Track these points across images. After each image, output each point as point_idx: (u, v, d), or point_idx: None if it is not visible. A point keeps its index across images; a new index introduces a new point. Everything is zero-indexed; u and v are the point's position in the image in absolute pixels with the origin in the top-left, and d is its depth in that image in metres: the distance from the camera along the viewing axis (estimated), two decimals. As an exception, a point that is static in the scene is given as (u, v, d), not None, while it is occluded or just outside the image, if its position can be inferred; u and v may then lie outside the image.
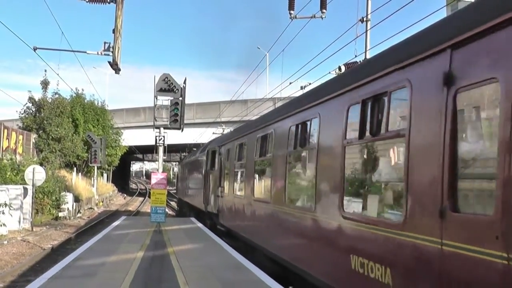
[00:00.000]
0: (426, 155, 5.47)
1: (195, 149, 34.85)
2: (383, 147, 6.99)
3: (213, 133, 44.60)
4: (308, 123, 9.54)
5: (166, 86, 18.62)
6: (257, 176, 13.79)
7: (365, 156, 7.48)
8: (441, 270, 5.01)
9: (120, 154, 55.57)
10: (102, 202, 48.41)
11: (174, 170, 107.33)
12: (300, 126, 9.98)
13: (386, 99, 6.42)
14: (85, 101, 48.60)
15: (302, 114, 9.88)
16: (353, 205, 7.48)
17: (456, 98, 5.05)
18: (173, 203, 49.41)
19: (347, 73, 9.77)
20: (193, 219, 23.65)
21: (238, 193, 15.93)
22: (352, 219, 7.21)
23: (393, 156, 6.66)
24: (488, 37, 4.64)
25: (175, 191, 48.39)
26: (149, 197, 22.54)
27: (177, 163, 64.35)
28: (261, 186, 13.35)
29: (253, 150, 13.81)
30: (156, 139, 19.83)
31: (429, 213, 5.28)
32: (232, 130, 22.95)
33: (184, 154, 49.43)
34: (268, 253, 11.89)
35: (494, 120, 4.64)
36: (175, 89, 18.69)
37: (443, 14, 18.83)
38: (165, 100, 19.39)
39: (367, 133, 6.88)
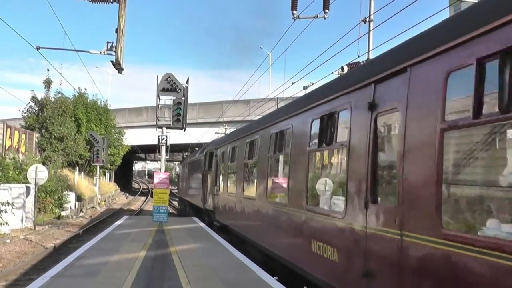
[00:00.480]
0: (358, 162, 7.25)
1: (197, 149, 35.13)
2: (333, 154, 8.91)
3: (216, 132, 44.60)
4: (285, 132, 11.26)
5: (169, 86, 18.64)
6: (246, 176, 15.47)
7: (322, 161, 9.49)
8: (366, 248, 6.78)
9: (123, 154, 55.62)
10: (105, 201, 48.46)
11: (176, 170, 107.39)
12: (279, 134, 11.70)
13: (336, 116, 8.29)
14: (88, 100, 48.68)
15: (280, 124, 11.67)
16: (313, 200, 9.35)
17: (377, 120, 6.90)
18: (175, 203, 49.43)
19: (311, 94, 11.19)
20: (195, 218, 23.66)
21: (231, 191, 17.43)
22: (313, 211, 9.03)
23: (339, 162, 8.49)
24: (393, 79, 6.57)
25: (177, 190, 48.61)
26: (151, 196, 23.17)
27: (179, 163, 64.49)
28: (248, 185, 14.99)
29: (243, 153, 15.45)
30: (158, 139, 19.86)
31: (358, 205, 7.08)
32: (227, 134, 24.97)
33: (187, 153, 49.51)
34: (254, 243, 13.53)
35: (397, 137, 6.39)
36: (177, 89, 18.70)
37: (446, 14, 18.82)
38: (167, 99, 19.40)
39: (323, 143, 8.71)
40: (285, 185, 10.97)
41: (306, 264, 9.19)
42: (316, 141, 9.06)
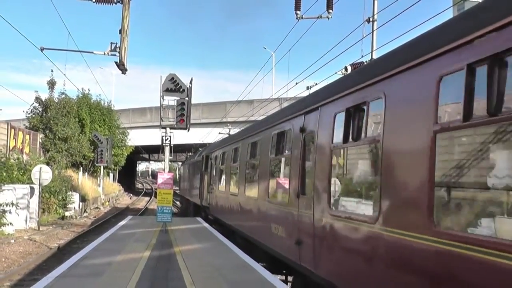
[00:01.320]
0: (295, 167, 10.37)
1: (200, 149, 35.67)
2: (283, 162, 12.09)
3: (219, 133, 44.61)
4: (256, 143, 14.42)
5: (173, 86, 18.61)
6: (232, 177, 18.54)
7: (278, 167, 12.80)
8: (299, 226, 9.79)
9: (126, 154, 55.69)
10: (108, 201, 48.57)
11: (179, 170, 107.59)
12: (252, 145, 14.88)
13: (285, 134, 11.39)
14: (92, 101, 48.73)
15: (254, 137, 14.76)
16: (270, 194, 12.66)
17: (305, 138, 9.93)
18: (178, 203, 49.49)
19: (271, 117, 14.53)
20: (199, 219, 23.68)
21: (221, 190, 20.17)
22: (271, 202, 12.31)
23: (286, 168, 11.48)
24: (312, 113, 9.61)
25: (179, 190, 48.88)
26: (155, 197, 24.22)
27: (180, 164, 64.72)
28: (233, 184, 17.91)
29: (230, 158, 18.40)
30: (162, 139, 19.83)
31: (295, 196, 10.12)
32: (220, 140, 27.71)
33: (190, 154, 49.64)
34: (238, 231, 16.48)
35: (313, 151, 9.34)
36: (181, 89, 18.68)
37: (449, 14, 18.78)
38: (171, 100, 19.38)
39: (278, 153, 12.12)
40: (256, 184, 13.96)
41: (269, 242, 12.15)
42: (274, 151, 12.39)
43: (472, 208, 5.42)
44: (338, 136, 8.09)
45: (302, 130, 9.98)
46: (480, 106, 4.81)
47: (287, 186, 10.99)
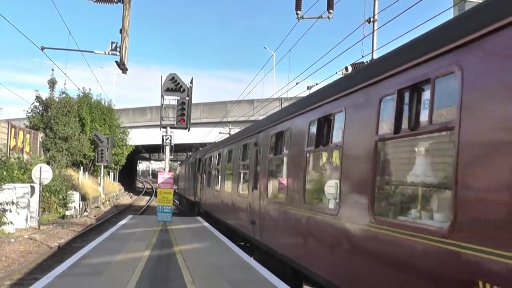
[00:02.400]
0: (251, 170, 14.40)
1: (201, 148, 36.25)
2: (246, 166, 15.86)
3: (220, 132, 44.64)
4: (232, 151, 18.56)
5: (173, 85, 18.61)
6: (216, 177, 22.40)
7: (243, 170, 16.47)
8: (253, 211, 13.83)
9: (127, 154, 55.69)
10: (109, 201, 48.55)
11: (178, 170, 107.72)
12: (228, 152, 19.28)
13: (247, 146, 15.55)
14: (92, 100, 48.72)
15: (230, 146, 19.16)
16: (239, 189, 16.54)
17: (257, 151, 13.89)
18: (178, 202, 49.53)
19: (238, 133, 20.00)
20: (199, 218, 23.72)
21: (209, 187, 24.52)
22: (239, 195, 16.38)
23: (248, 170, 15.41)
24: (260, 133, 13.70)
25: (176, 188, 49.41)
26: (156, 196, 27.97)
27: (178, 164, 65.11)
28: (217, 183, 21.98)
29: (215, 161, 22.49)
30: (162, 139, 19.84)
31: (251, 190, 14.14)
32: (209, 145, 31.81)
33: (190, 153, 49.87)
34: (221, 221, 20.07)
35: (262, 159, 13.35)
36: (182, 89, 18.69)
37: (450, 14, 18.80)
38: (172, 99, 19.39)
39: (243, 159, 16.12)
40: (231, 183, 18.32)
41: (238, 224, 16.38)
42: (241, 157, 16.48)
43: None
44: (275, 150, 12.38)
45: (256, 144, 14.27)
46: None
47: (247, 183, 15.37)
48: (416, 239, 5.74)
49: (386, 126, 6.72)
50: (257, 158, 13.92)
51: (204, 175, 26.43)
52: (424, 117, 5.95)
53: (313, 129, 9.39)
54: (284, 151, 11.52)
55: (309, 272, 9.33)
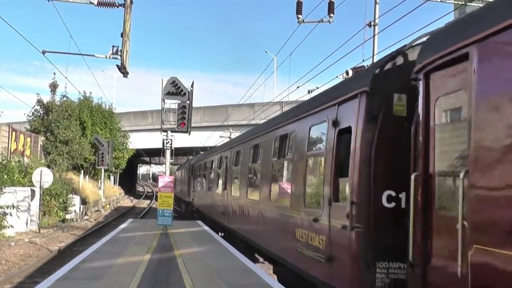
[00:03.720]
0: (223, 175, 20.61)
1: (191, 157, 38.83)
2: (219, 172, 21.86)
3: (220, 136, 44.64)
4: (212, 161, 24.07)
5: (174, 89, 18.60)
6: (205, 181, 27.15)
7: (216, 174, 22.94)
8: (224, 205, 19.26)
9: (127, 157, 55.70)
10: (109, 204, 48.54)
11: (175, 174, 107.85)
12: (211, 162, 24.49)
13: (221, 158, 21.45)
14: (93, 104, 48.75)
15: (212, 157, 24.25)
16: (217, 189, 21.54)
17: (226, 162, 19.91)
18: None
19: (210, 150, 28.00)
20: (199, 222, 23.68)
21: (199, 189, 29.77)
22: (217, 194, 21.32)
23: (220, 174, 21.53)
24: (228, 150, 20.06)
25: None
26: (156, 200, 32.76)
27: (176, 169, 65.79)
28: (204, 185, 27.56)
29: (204, 168, 27.42)
30: (163, 142, 19.82)
31: (223, 190, 19.66)
32: (200, 154, 36.75)
33: (191, 157, 50.22)
34: (207, 216, 24.73)
35: (227, 168, 20.23)
36: (182, 93, 18.68)
37: (450, 18, 18.78)
38: (172, 103, 19.38)
39: (217, 167, 22.10)
40: (213, 184, 23.64)
41: (216, 216, 21.22)
42: (219, 166, 21.42)
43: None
44: (235, 163, 17.83)
45: (226, 157, 19.88)
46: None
47: (222, 185, 20.47)
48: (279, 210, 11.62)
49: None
50: (227, 168, 19.48)
51: (195, 180, 31.61)
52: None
53: (254, 150, 15.01)
54: (239, 164, 17.03)
55: (254, 244, 14.11)
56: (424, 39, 6.76)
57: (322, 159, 8.86)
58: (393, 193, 7.01)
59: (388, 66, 7.43)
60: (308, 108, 10.18)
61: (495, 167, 4.66)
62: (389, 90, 7.18)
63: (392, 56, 7.49)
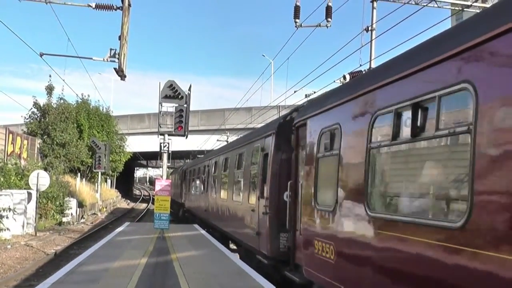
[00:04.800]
0: (205, 181, 25.22)
1: (200, 156, 37.82)
2: (203, 178, 26.10)
3: (217, 140, 44.62)
4: (197, 168, 28.37)
5: (171, 93, 18.60)
6: (192, 184, 31.14)
7: (202, 180, 26.92)
8: (207, 203, 23.38)
9: (124, 160, 55.62)
10: (106, 207, 48.46)
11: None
12: (196, 169, 28.94)
13: (202, 168, 26.12)
14: (90, 106, 48.68)
15: (196, 166, 29.21)
16: (201, 192, 25.79)
17: (208, 170, 24.18)
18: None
19: (199, 158, 33.36)
20: (196, 226, 23.69)
21: (189, 192, 33.06)
22: (200, 194, 26.14)
23: (204, 181, 25.50)
24: (212, 159, 23.53)
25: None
26: (153, 203, 34.53)
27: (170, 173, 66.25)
28: (190, 188, 31.74)
29: (192, 174, 30.91)
30: (160, 146, 19.81)
31: (205, 191, 24.58)
32: (192, 161, 41.97)
33: (188, 160, 50.30)
34: (195, 214, 28.31)
35: (208, 175, 24.33)
36: (180, 96, 18.67)
37: (448, 24, 18.87)
38: (170, 106, 19.36)
39: (204, 174, 25.52)
40: (198, 188, 27.23)
41: (203, 215, 24.40)
42: (202, 173, 25.31)
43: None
44: (214, 170, 21.88)
45: (208, 165, 23.64)
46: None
47: (203, 188, 24.97)
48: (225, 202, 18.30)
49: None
50: (208, 174, 23.53)
51: (187, 184, 34.72)
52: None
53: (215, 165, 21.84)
54: (217, 172, 21.34)
55: (227, 233, 18.09)
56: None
57: (256, 171, 13.78)
58: (289, 193, 11.00)
59: (287, 119, 12.11)
60: (251, 137, 15.55)
61: (307, 179, 9.72)
62: (287, 132, 11.58)
63: (288, 114, 12.43)
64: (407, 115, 6.23)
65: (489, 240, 4.61)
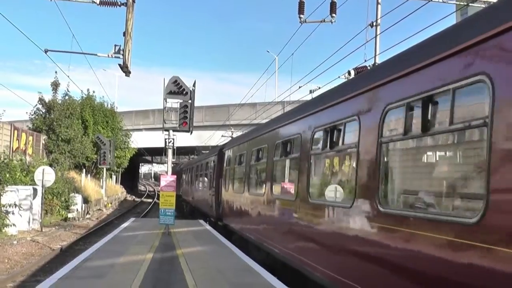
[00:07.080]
0: (208, 177, 28.52)
1: (202, 153, 39.46)
2: (202, 175, 30.91)
3: (222, 135, 44.66)
4: (196, 166, 33.84)
5: (176, 88, 18.57)
6: (191, 180, 35.34)
7: (193, 177, 36.19)
8: (209, 198, 27.59)
9: (129, 156, 55.73)
10: (111, 203, 48.59)
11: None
12: (196, 167, 33.88)
13: (206, 164, 29.15)
14: (95, 103, 48.78)
15: (195, 164, 35.08)
16: (202, 187, 30.01)
17: (207, 166, 28.45)
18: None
19: (197, 158, 42.03)
20: (201, 221, 23.74)
21: (187, 186, 38.76)
22: (199, 189, 30.89)
23: (203, 177, 30.18)
24: (204, 159, 30.80)
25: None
26: (158, 199, 39.71)
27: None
28: (190, 182, 36.02)
29: (191, 172, 35.94)
30: (165, 142, 19.81)
31: (208, 188, 26.76)
32: (190, 160, 48.98)
33: (193, 156, 50.57)
34: (196, 208, 31.68)
35: (211, 171, 27.71)
36: (184, 92, 18.65)
37: (452, 19, 18.80)
38: (174, 102, 19.33)
39: (202, 171, 30.41)
40: (198, 184, 31.72)
41: (191, 203, 35.18)
42: (201, 170, 30.28)
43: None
44: (196, 170, 32.71)
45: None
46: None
47: (203, 184, 28.91)
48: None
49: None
50: (195, 172, 31.81)
51: (187, 179, 39.51)
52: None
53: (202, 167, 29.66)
54: (197, 172, 31.15)
55: (200, 211, 28.60)
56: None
57: (212, 174, 24.64)
58: (220, 184, 21.15)
59: (222, 148, 23.03)
60: (208, 155, 27.98)
61: (224, 177, 21.35)
62: (223, 153, 21.99)
63: (222, 145, 23.92)
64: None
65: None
